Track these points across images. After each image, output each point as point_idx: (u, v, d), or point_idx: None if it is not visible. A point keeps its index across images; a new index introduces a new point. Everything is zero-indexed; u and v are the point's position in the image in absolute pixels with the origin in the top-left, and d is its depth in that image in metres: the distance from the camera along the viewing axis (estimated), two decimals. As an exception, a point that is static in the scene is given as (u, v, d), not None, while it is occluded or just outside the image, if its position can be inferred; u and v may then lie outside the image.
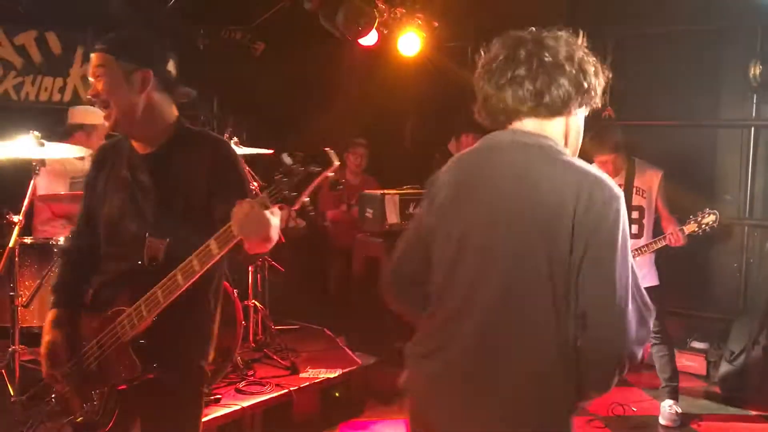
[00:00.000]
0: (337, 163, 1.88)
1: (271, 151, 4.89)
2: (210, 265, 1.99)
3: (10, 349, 3.68)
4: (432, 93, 6.77)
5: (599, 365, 1.69)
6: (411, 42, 5.92)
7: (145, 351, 2.11)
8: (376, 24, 5.39)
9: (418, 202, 5.65)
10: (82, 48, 5.70)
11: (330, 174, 1.88)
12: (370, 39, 5.79)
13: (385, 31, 5.84)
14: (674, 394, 4.47)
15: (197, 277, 2.01)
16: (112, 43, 2.15)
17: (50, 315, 2.28)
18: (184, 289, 2.02)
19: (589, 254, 1.64)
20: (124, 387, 2.16)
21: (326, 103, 6.82)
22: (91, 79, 2.19)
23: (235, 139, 4.79)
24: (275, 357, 4.70)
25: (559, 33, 1.80)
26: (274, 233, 1.88)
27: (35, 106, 5.46)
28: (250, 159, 4.83)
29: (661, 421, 4.45)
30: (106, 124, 2.20)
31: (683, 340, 5.46)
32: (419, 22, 5.74)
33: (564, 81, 1.74)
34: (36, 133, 3.71)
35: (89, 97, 2.22)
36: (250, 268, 4.79)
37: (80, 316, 2.28)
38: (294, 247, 5.62)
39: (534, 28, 1.83)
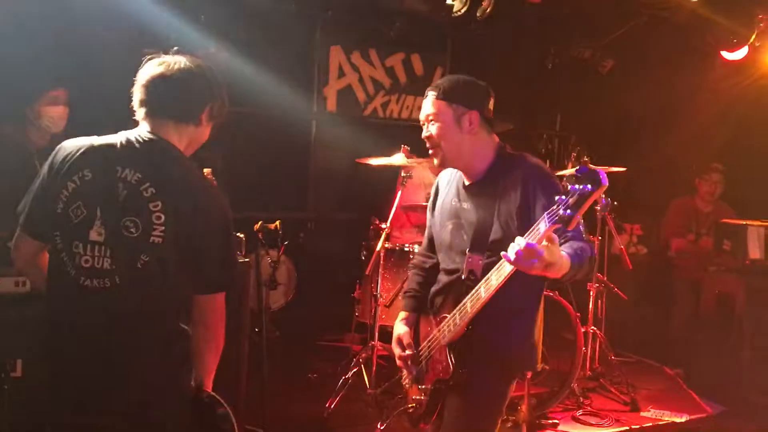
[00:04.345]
0: (605, 184, 1.83)
1: (623, 169, 4.66)
2: (505, 279, 2.09)
3: (370, 344, 4.02)
4: (810, 112, 5.88)
5: None
6: (790, 54, 5.21)
7: (459, 354, 2.30)
8: (752, 38, 4.84)
9: (788, 236, 5.03)
10: (441, 69, 6.09)
11: (601, 195, 1.86)
12: (738, 53, 5.24)
13: (758, 44, 5.22)
14: None
15: (495, 290, 2.13)
16: (443, 89, 2.33)
17: (401, 315, 2.61)
18: (485, 300, 2.17)
19: None
20: (440, 385, 2.35)
21: (677, 123, 6.33)
22: (423, 122, 2.38)
23: (585, 158, 4.64)
24: (613, 389, 4.45)
25: None
26: (550, 266, 1.91)
27: (397, 122, 5.95)
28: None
29: None
30: (435, 162, 2.39)
31: None
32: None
33: None
34: (407, 147, 4.01)
35: (423, 138, 2.40)
36: (591, 293, 4.61)
37: (419, 320, 2.57)
38: (638, 275, 5.30)
39: None
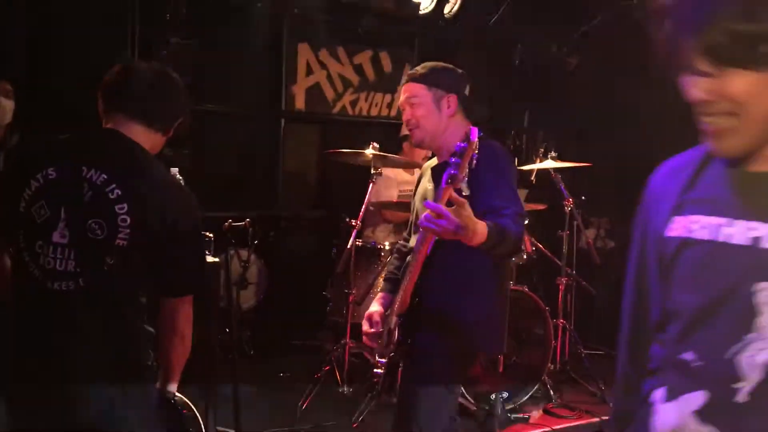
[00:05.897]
0: (474, 139, 2.03)
1: (589, 165, 4.72)
2: (427, 244, 2.20)
3: (342, 342, 4.01)
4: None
5: None
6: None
7: (405, 326, 2.39)
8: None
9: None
10: (409, 66, 6.09)
11: (472, 150, 2.04)
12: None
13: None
14: None
15: (423, 255, 2.22)
16: (423, 74, 2.47)
17: (378, 295, 2.71)
18: (417, 267, 2.25)
19: None
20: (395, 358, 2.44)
21: (644, 118, 6.41)
22: (403, 105, 2.52)
23: (553, 153, 4.70)
24: (583, 382, 4.51)
25: None
26: (461, 229, 1.99)
27: (367, 120, 5.94)
28: (566, 173, 4.73)
29: None
30: (412, 141, 2.60)
31: None
32: None
33: None
34: (376, 144, 4.01)
35: (403, 120, 2.55)
36: (560, 287, 4.67)
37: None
38: (606, 269, 5.37)
39: None
